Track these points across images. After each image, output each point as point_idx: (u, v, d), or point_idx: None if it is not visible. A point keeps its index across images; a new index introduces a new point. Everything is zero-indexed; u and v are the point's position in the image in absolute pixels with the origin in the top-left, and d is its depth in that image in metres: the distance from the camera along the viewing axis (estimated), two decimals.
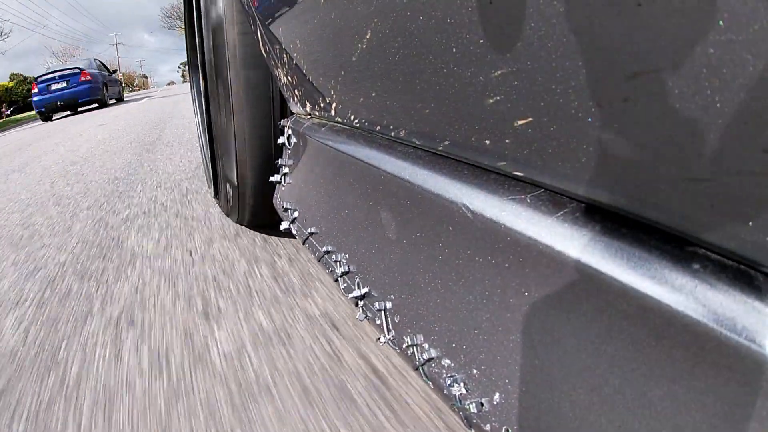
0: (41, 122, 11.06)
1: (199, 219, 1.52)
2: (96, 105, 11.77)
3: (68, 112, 11.70)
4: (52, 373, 0.80)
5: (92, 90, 11.00)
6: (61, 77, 10.84)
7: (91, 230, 1.59)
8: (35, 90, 10.91)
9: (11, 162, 4.03)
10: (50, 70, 11.48)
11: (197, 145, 2.99)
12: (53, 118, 11.10)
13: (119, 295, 1.06)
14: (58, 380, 0.78)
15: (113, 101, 13.07)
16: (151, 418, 0.66)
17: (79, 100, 10.84)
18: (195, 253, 1.24)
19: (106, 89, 11.92)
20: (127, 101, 13.19)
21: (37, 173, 3.06)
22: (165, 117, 5.73)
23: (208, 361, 0.77)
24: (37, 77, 11.27)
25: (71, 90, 10.74)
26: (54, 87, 10.78)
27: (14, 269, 1.36)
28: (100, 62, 13.20)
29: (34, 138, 6.36)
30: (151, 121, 5.42)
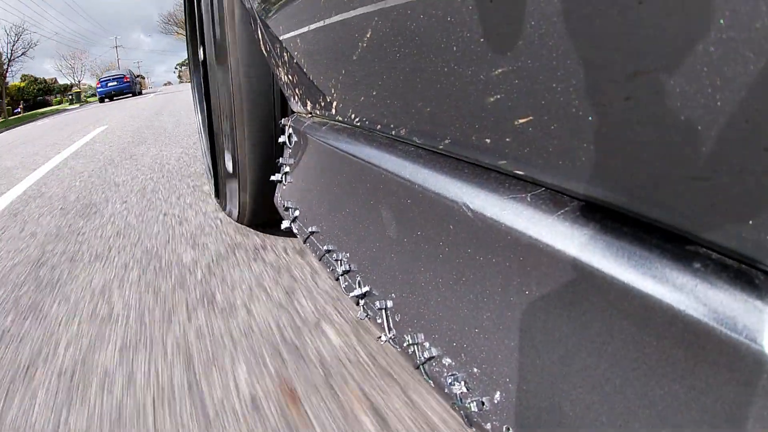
0: (78, 108, 20.01)
1: (187, 104, 7.10)
2: (129, 96, 19.69)
3: (107, 100, 19.44)
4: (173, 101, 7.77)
5: (130, 87, 20.02)
6: (113, 79, 20.23)
7: (156, 111, 7.50)
8: (98, 84, 20.42)
9: (127, 108, 9.93)
10: (106, 75, 21.41)
11: (184, 107, 7.11)
12: (105, 101, 19.55)
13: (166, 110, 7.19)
14: (175, 102, 7.81)
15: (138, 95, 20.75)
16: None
17: (124, 92, 19.78)
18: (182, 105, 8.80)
19: (135, 86, 21.07)
20: (143, 96, 20.04)
21: (132, 110, 8.75)
22: (168, 101, 10.36)
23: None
24: (100, 78, 20.86)
25: (119, 86, 19.86)
26: (109, 84, 19.93)
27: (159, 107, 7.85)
28: (131, 70, 22.75)
29: (109, 108, 12.13)
30: (162, 101, 10.42)
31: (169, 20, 43.48)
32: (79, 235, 1.50)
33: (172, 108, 7.25)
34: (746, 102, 0.16)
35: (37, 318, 0.98)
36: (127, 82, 19.92)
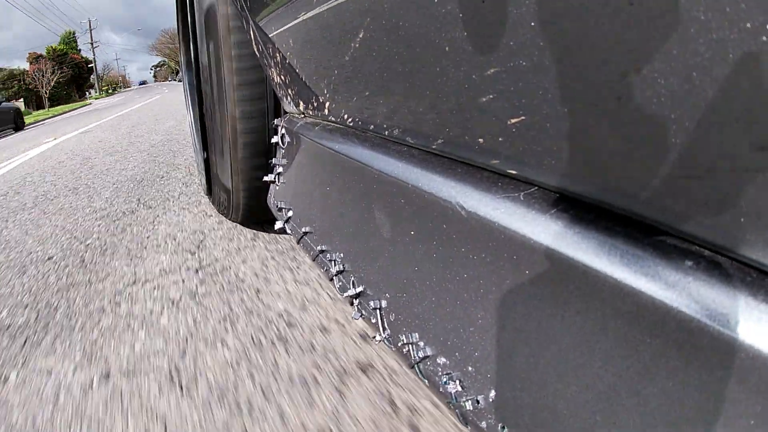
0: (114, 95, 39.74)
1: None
2: (145, 86, 51.94)
3: (133, 88, 46.41)
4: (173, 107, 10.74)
5: (146, 83, 68.95)
6: (141, 82, 70.10)
7: (169, 88, 26.75)
8: (139, 83, 69.46)
9: (158, 87, 32.75)
10: (140, 81, 71.34)
11: (171, 88, 25.03)
12: (140, 86, 50.93)
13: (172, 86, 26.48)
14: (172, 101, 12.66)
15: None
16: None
17: (146, 85, 61.40)
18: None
19: (145, 84, 65.93)
20: (146, 87, 36.14)
21: (155, 90, 27.75)
22: (163, 86, 31.68)
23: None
24: (139, 81, 72.74)
25: (143, 83, 66.66)
26: (141, 82, 68.80)
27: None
28: (145, 80, 74.99)
29: (145, 89, 35.39)
30: (158, 86, 33.68)
31: (154, 47, 67.08)
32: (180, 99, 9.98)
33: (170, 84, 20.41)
34: (739, 101, 0.16)
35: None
36: (146, 82, 64.50)
